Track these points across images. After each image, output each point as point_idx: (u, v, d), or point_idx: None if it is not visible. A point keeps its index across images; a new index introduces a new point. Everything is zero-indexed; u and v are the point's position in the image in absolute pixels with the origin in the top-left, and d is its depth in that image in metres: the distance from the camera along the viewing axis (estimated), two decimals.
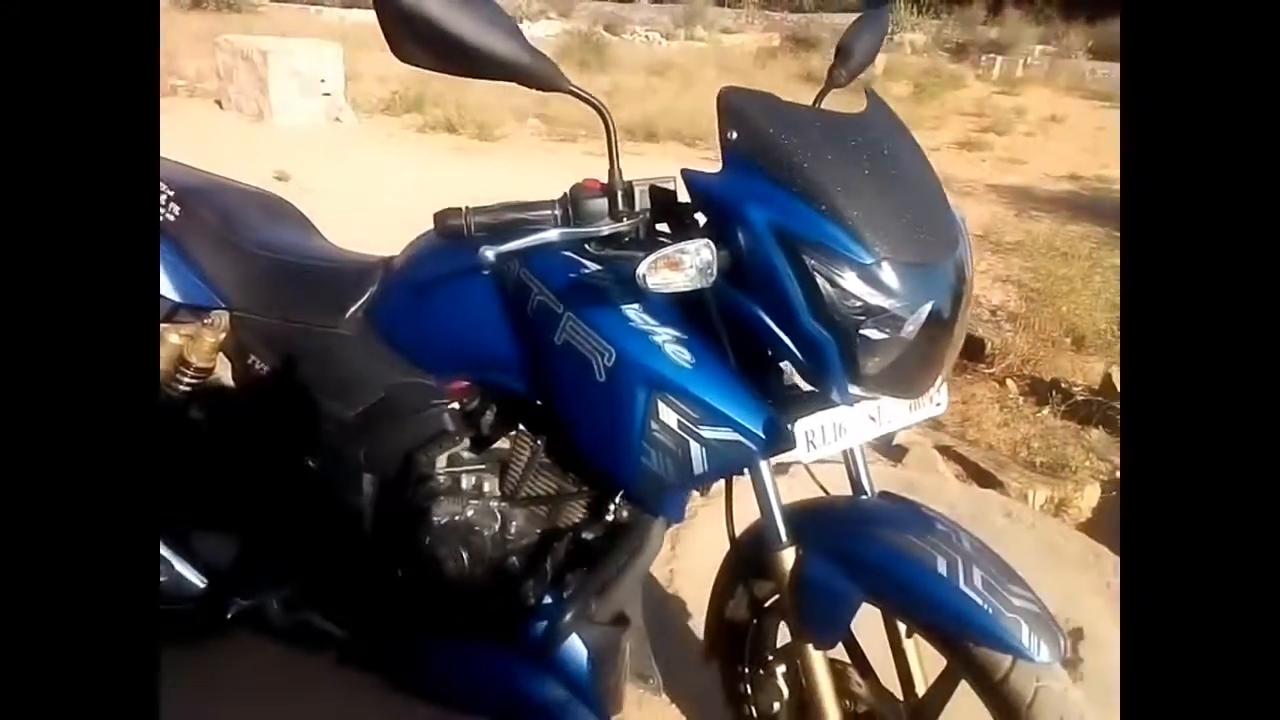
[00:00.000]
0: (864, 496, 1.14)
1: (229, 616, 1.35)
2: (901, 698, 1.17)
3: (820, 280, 0.92)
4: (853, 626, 1.11)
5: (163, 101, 8.46)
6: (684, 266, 0.91)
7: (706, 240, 0.93)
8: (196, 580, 1.37)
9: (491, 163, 7.10)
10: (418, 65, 0.93)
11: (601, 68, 12.24)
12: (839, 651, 1.18)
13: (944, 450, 2.60)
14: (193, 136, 6.43)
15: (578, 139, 8.41)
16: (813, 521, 1.09)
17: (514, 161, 7.21)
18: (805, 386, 1.07)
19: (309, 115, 7.64)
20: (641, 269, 0.91)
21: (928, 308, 0.95)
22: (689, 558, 1.94)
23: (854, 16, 1.33)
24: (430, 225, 1.10)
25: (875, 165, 0.98)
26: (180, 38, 10.74)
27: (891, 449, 2.55)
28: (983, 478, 2.47)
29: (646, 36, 20.86)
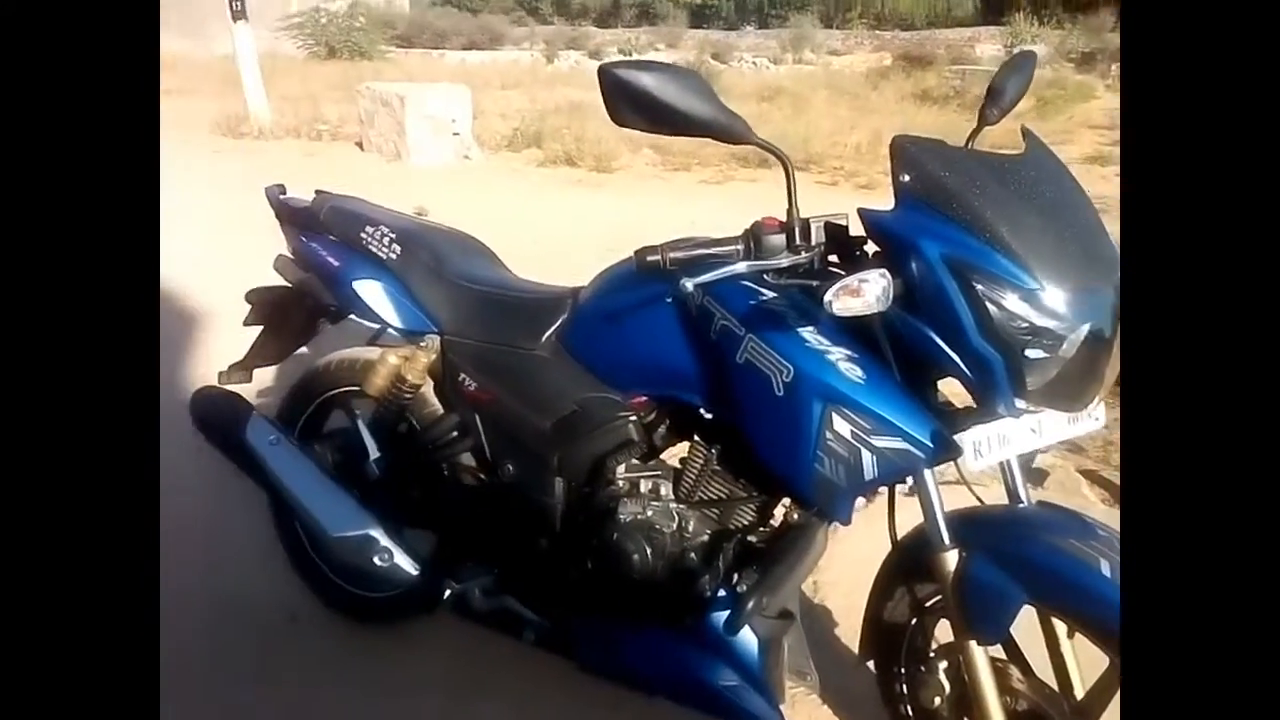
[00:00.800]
0: (1021, 505, 1.24)
1: (442, 599, 1.56)
2: (1062, 697, 1.23)
3: (989, 304, 1.06)
4: (1012, 628, 1.20)
5: (309, 144, 9.31)
6: (864, 294, 1.05)
7: (883, 270, 1.07)
8: (411, 569, 1.60)
9: (611, 193, 7.41)
10: (631, 128, 1.14)
11: None
12: (998, 651, 1.26)
13: (1087, 474, 2.58)
14: (339, 176, 7.08)
15: (691, 168, 8.63)
16: (974, 526, 1.22)
17: (632, 191, 7.50)
18: (967, 402, 1.18)
19: (441, 154, 8.21)
20: (829, 295, 1.06)
21: (1086, 328, 1.07)
22: (833, 569, 2.03)
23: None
24: (608, 256, 1.27)
25: (1036, 200, 1.12)
26: (320, 86, 11.77)
27: (1033, 472, 2.54)
28: None
29: (754, 63, 21.05)
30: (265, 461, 1.65)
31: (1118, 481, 2.51)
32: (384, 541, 1.58)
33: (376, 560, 1.59)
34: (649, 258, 1.22)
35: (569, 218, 6.25)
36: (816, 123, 9.67)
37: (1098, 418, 1.19)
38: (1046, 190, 1.13)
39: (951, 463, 1.16)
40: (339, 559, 1.68)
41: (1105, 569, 1.04)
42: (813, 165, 8.21)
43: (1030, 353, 1.06)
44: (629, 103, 1.10)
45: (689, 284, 1.16)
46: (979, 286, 1.06)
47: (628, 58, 2.00)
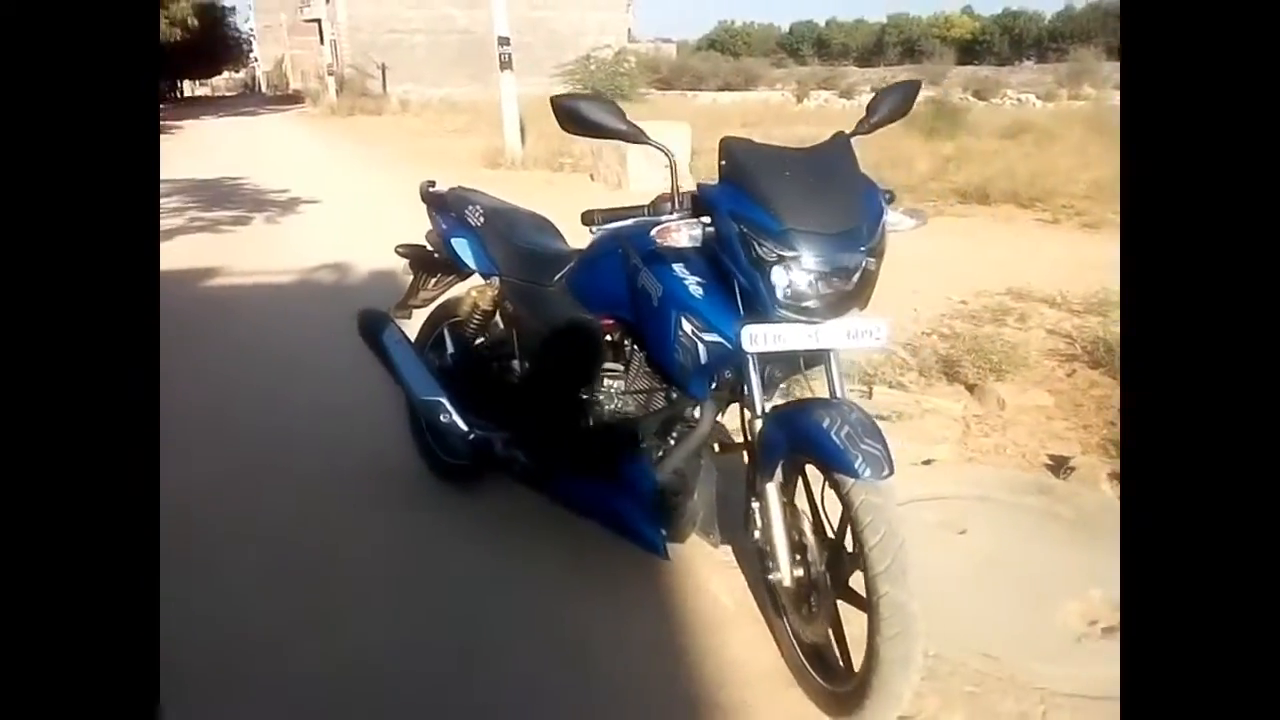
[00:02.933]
0: (832, 398, 1.63)
1: (483, 452, 2.26)
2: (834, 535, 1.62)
3: (751, 241, 1.50)
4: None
5: (550, 174, 10.58)
6: (676, 234, 1.54)
7: (696, 220, 1.59)
8: (462, 425, 2.29)
9: None
10: (573, 134, 1.68)
11: (950, 134, 12.13)
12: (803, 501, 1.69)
13: (1119, 475, 2.56)
14: (562, 199, 8.06)
15: (903, 202, 8.49)
16: (784, 407, 1.66)
17: None
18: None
19: (657, 184, 8.94)
20: (653, 233, 1.57)
21: (816, 258, 1.49)
22: None
23: None
24: None
25: (806, 178, 1.56)
26: None
27: (1062, 467, 2.67)
28: None
29: (1019, 99, 19.90)
30: (390, 354, 2.40)
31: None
32: (447, 405, 2.29)
33: (441, 418, 2.28)
34: (587, 216, 1.76)
35: None
36: (1056, 160, 9.10)
37: (878, 338, 1.57)
38: (820, 171, 1.58)
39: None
40: (422, 416, 2.44)
41: (825, 424, 1.46)
42: (1037, 203, 7.79)
43: (774, 273, 1.49)
44: (567, 120, 1.66)
45: (597, 230, 1.77)
46: (744, 229, 1.51)
47: (573, 92, 2.49)
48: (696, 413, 1.85)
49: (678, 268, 1.69)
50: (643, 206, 1.79)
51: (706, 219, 1.58)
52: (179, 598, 1.75)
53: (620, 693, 1.74)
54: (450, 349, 2.49)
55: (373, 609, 2.02)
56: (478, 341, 2.45)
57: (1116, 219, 7.12)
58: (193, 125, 26.53)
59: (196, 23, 25.13)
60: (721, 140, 1.63)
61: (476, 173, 10.83)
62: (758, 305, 1.55)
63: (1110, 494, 2.48)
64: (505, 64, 10.93)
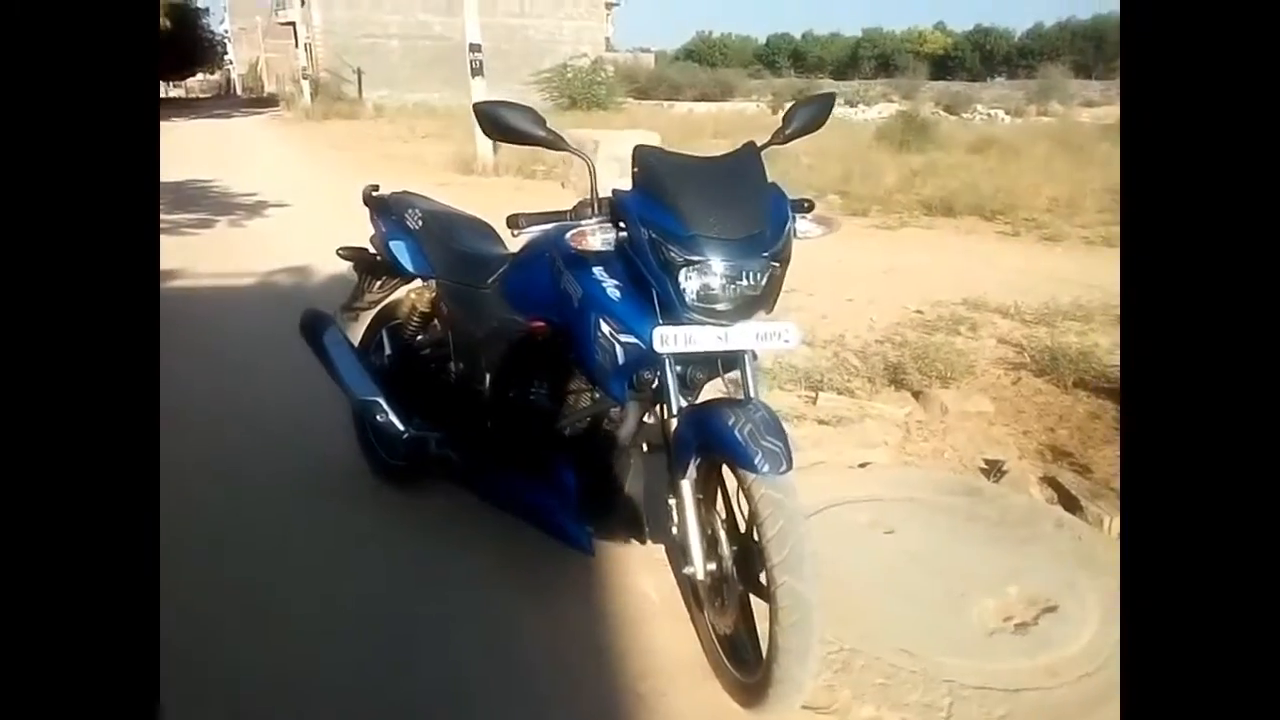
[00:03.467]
0: (745, 399, 1.67)
1: (418, 452, 2.30)
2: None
3: (660, 246, 1.56)
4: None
5: (521, 181, 10.62)
6: (588, 238, 1.62)
7: (608, 223, 1.65)
8: (398, 424, 2.34)
9: None
10: (495, 140, 1.66)
11: (920, 148, 12.34)
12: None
13: (1049, 479, 2.69)
14: (532, 205, 8.09)
15: (870, 213, 8.68)
16: (697, 406, 1.72)
17: None
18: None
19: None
20: (567, 237, 1.63)
21: (723, 261, 1.55)
22: None
23: None
24: None
25: (713, 185, 1.62)
26: None
27: (994, 471, 2.76)
28: (1070, 502, 2.53)
29: (988, 114, 20.26)
30: (330, 354, 2.45)
31: (1066, 484, 2.57)
32: (383, 404, 2.34)
33: (378, 417, 2.34)
34: (511, 221, 1.77)
35: None
36: (1022, 176, 9.29)
37: (787, 340, 1.64)
38: (727, 179, 1.65)
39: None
40: (360, 416, 2.50)
41: (729, 423, 1.51)
42: (999, 216, 7.96)
43: (681, 276, 1.55)
44: (489, 125, 1.73)
45: (518, 232, 1.74)
46: (653, 234, 1.57)
47: (493, 99, 2.51)
48: (620, 413, 1.89)
49: (597, 271, 1.76)
50: (565, 211, 1.82)
51: (620, 223, 1.65)
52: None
53: (544, 682, 1.77)
54: (388, 350, 2.54)
55: (305, 602, 2.04)
56: (415, 342, 2.49)
57: (1075, 232, 7.30)
58: (164, 127, 26.18)
59: (169, 23, 24.88)
60: (634, 148, 1.71)
61: (447, 178, 10.83)
62: (668, 308, 1.61)
63: (1036, 496, 2.57)
64: (477, 70, 10.98)
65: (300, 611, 2.01)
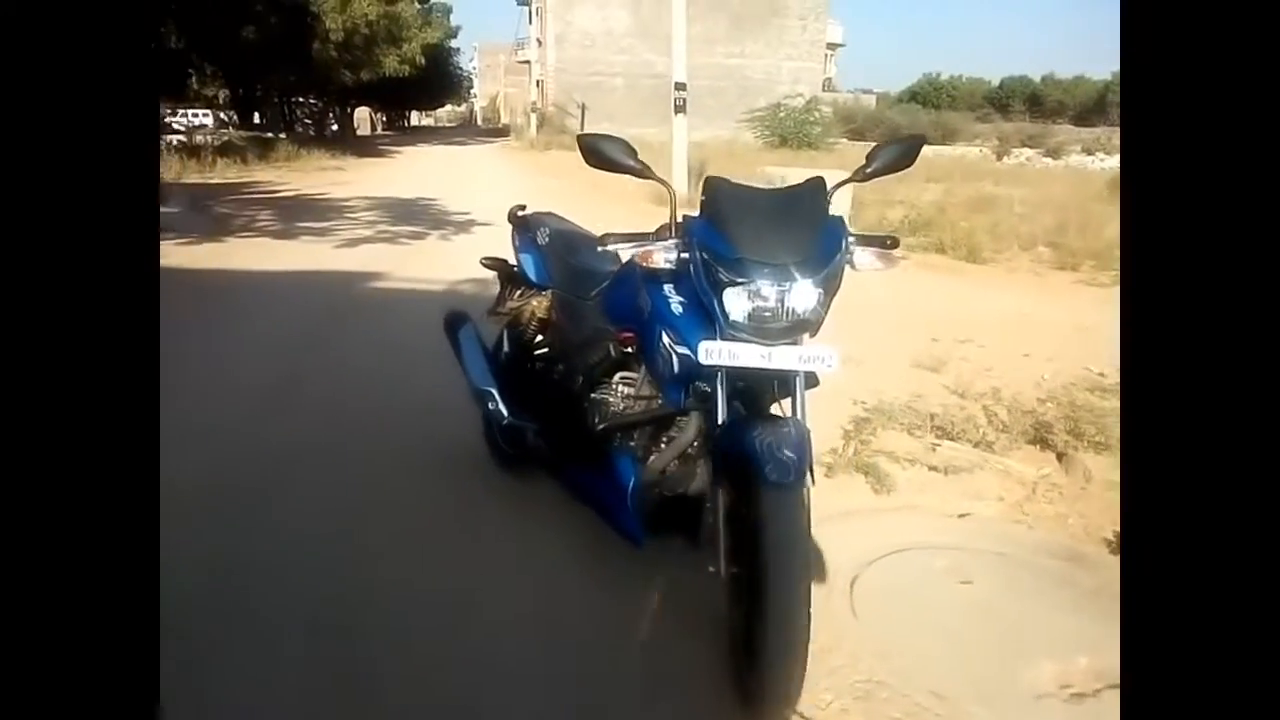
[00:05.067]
0: (789, 416, 1.81)
1: (521, 442, 2.60)
2: None
3: (710, 265, 1.71)
4: None
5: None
6: (653, 256, 1.81)
7: (672, 243, 1.82)
8: (504, 411, 2.60)
9: (955, 281, 7.40)
10: (593, 167, 1.94)
11: None
12: None
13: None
14: None
15: (1080, 268, 8.09)
16: (737, 420, 1.80)
17: (981, 282, 7.38)
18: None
19: None
20: (634, 255, 1.78)
21: (767, 284, 1.67)
22: None
23: None
24: None
25: (767, 212, 1.76)
26: (742, 168, 13.53)
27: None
28: None
29: None
30: (460, 348, 2.78)
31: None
32: (495, 395, 2.63)
33: (488, 405, 2.63)
34: (601, 240, 1.96)
35: (873, 294, 6.50)
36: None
37: (829, 364, 1.72)
38: (785, 210, 1.78)
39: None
40: (475, 402, 2.73)
41: (760, 440, 1.60)
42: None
43: (727, 295, 1.68)
44: (587, 154, 1.93)
45: (604, 250, 1.92)
46: (706, 256, 1.72)
47: (594, 133, 2.43)
48: (684, 422, 2.03)
49: (667, 288, 1.92)
50: (649, 233, 1.98)
51: (681, 243, 1.80)
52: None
53: (578, 654, 1.94)
54: (506, 348, 2.84)
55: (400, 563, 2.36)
56: (530, 344, 2.78)
57: None
58: (411, 150, 29.57)
59: (424, 61, 28.23)
60: (705, 178, 1.87)
61: (644, 208, 11.41)
62: (713, 320, 1.74)
63: None
64: (679, 108, 11.51)
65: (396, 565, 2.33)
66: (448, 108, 66.87)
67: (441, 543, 2.47)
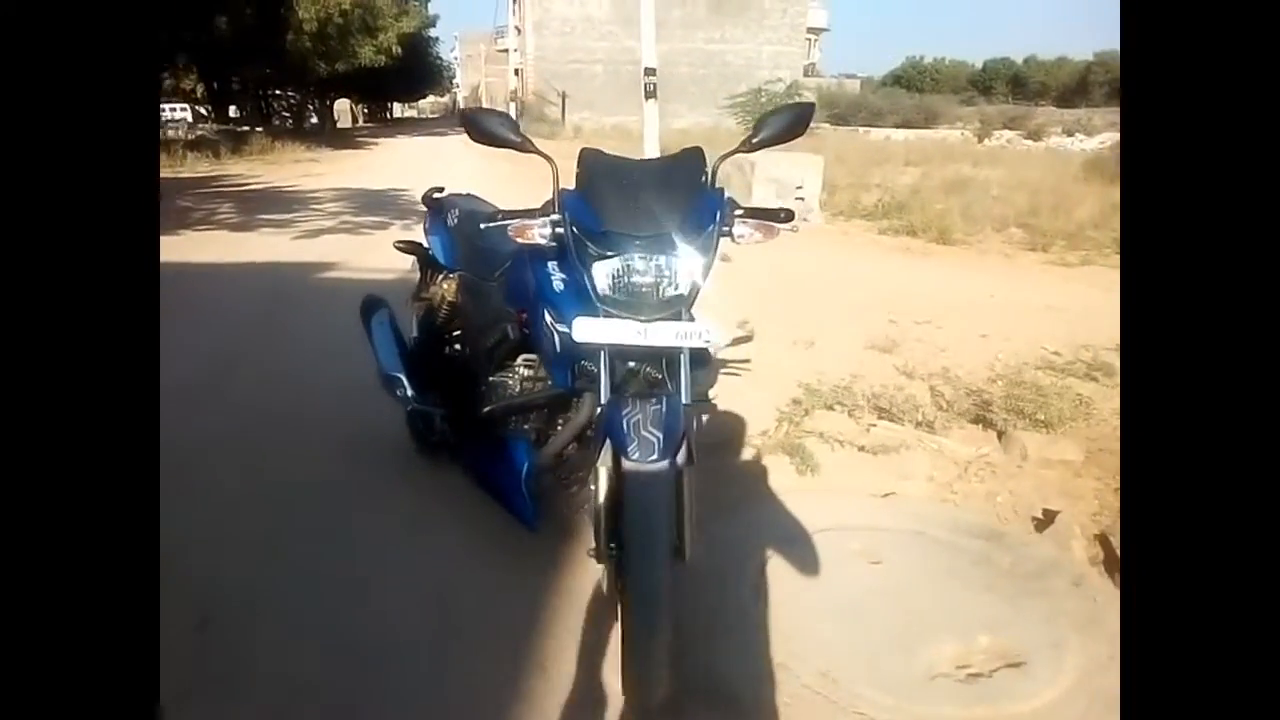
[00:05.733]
0: (669, 394, 1.71)
1: (429, 427, 2.57)
2: None
3: (579, 238, 1.68)
4: None
5: None
6: (529, 231, 1.76)
7: (546, 220, 1.75)
8: (411, 394, 2.56)
9: (925, 263, 7.37)
10: (477, 141, 1.87)
11: None
12: None
13: (1100, 537, 2.42)
14: None
15: (1051, 249, 8.08)
16: (615, 399, 1.70)
17: (952, 264, 7.35)
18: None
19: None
20: (509, 230, 1.73)
21: (635, 258, 1.64)
22: None
23: None
24: None
25: (639, 183, 1.72)
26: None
27: (1046, 522, 2.52)
28: (1113, 563, 2.27)
29: None
30: (372, 332, 2.76)
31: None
32: (404, 381, 2.60)
33: (396, 391, 2.60)
34: (488, 218, 1.92)
35: (838, 275, 6.46)
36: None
37: (708, 340, 1.66)
38: (659, 181, 1.73)
39: None
40: (384, 387, 2.70)
41: (628, 419, 1.55)
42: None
43: (594, 269, 1.66)
44: (471, 129, 1.87)
45: (486, 227, 1.88)
46: (575, 229, 1.70)
47: (478, 107, 2.45)
48: (578, 403, 1.98)
49: (551, 265, 1.88)
50: (534, 209, 1.93)
51: (557, 218, 1.75)
52: None
53: (471, 634, 1.89)
54: (414, 332, 2.78)
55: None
56: (437, 327, 2.73)
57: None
58: (389, 142, 29.34)
59: (401, 51, 27.96)
60: (580, 151, 1.82)
61: None
62: (588, 294, 1.69)
63: (1076, 552, 2.33)
64: (650, 94, 11.41)
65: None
66: (430, 98, 66.35)
67: (337, 525, 2.41)
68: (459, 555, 2.25)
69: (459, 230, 2.58)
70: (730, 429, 3.13)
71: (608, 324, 1.66)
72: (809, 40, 36.87)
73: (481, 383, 2.24)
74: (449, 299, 2.65)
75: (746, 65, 31.11)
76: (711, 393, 3.55)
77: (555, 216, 1.80)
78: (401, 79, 38.63)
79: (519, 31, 32.03)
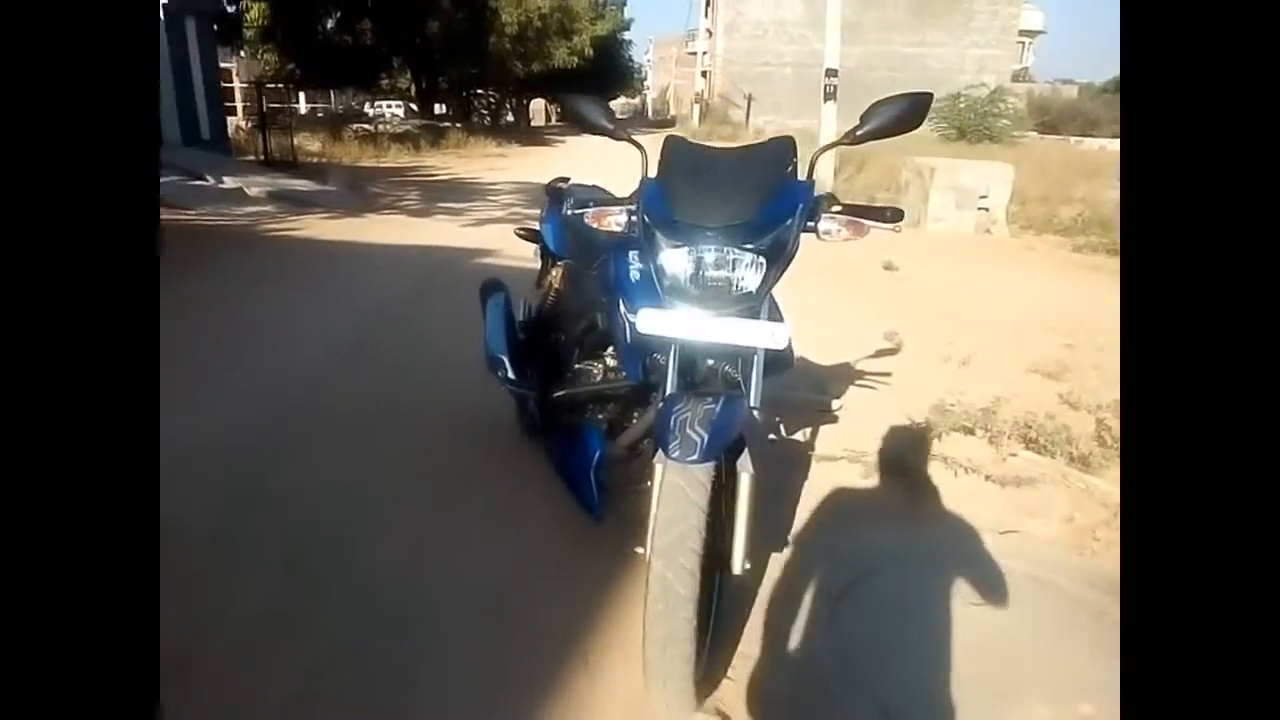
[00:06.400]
0: (731, 392, 1.65)
1: (521, 407, 2.62)
2: None
3: (651, 228, 1.64)
4: None
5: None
6: (605, 219, 1.76)
7: (622, 208, 1.77)
8: (513, 374, 2.53)
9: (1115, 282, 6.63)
10: (572, 123, 1.91)
11: None
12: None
13: None
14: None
15: None
16: (675, 394, 1.63)
17: None
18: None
19: (959, 224, 8.43)
20: (586, 217, 1.74)
21: (703, 249, 1.57)
22: None
23: None
24: None
25: (718, 173, 1.66)
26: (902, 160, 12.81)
27: None
28: None
29: None
30: (486, 314, 2.75)
31: None
32: (506, 363, 2.54)
33: (498, 373, 2.57)
34: (557, 192, 1.84)
35: (1014, 291, 5.91)
36: None
37: (778, 342, 1.58)
38: (738, 171, 1.66)
39: None
40: (489, 368, 2.68)
41: (677, 416, 1.44)
42: None
43: (662, 259, 1.60)
44: (568, 113, 1.90)
45: (573, 213, 1.87)
46: (648, 219, 1.66)
47: (577, 93, 2.25)
48: (655, 396, 1.92)
49: (631, 255, 1.85)
50: (623, 198, 1.91)
51: (634, 207, 1.71)
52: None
53: (518, 619, 1.88)
54: (520, 317, 2.81)
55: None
56: (544, 314, 2.75)
57: None
58: (574, 140, 30.53)
59: (593, 53, 28.97)
60: (665, 138, 1.77)
61: None
62: (656, 285, 1.63)
63: None
64: (830, 95, 11.12)
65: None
66: (621, 99, 68.37)
67: (421, 496, 2.48)
68: (529, 539, 2.26)
69: (570, 219, 2.59)
70: (838, 443, 2.94)
71: (673, 316, 1.60)
72: (1022, 43, 34.46)
73: (567, 369, 2.23)
74: (556, 286, 2.68)
75: (947, 70, 29.51)
76: (835, 403, 3.36)
77: (633, 206, 1.76)
78: (594, 80, 40.01)
79: (709, 34, 32.26)
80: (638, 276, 1.79)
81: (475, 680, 1.71)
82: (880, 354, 4.16)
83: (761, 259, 1.57)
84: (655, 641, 1.39)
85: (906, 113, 1.68)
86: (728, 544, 1.60)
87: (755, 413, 1.68)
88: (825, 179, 11.35)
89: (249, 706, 1.61)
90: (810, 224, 1.67)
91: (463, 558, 2.16)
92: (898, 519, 2.40)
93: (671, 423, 1.44)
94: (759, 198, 1.59)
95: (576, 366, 2.22)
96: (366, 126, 23.11)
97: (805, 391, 3.48)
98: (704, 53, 31.99)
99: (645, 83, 63.02)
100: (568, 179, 2.92)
